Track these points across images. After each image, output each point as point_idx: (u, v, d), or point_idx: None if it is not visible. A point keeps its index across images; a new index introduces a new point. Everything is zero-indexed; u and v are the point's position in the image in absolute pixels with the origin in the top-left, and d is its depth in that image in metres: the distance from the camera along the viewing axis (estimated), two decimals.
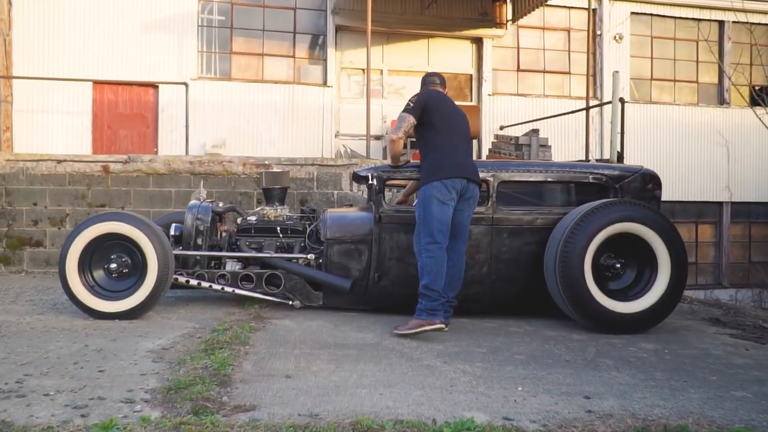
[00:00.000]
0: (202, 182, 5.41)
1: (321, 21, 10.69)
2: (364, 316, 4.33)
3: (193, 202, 4.76)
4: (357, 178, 4.58)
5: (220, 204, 5.00)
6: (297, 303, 4.50)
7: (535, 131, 8.38)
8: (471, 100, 11.23)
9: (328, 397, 2.52)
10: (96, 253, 4.08)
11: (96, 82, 9.75)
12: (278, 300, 4.51)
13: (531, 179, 4.38)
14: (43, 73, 9.33)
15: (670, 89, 11.98)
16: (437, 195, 3.75)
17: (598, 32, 11.40)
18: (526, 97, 11.23)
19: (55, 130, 9.62)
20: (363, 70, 10.64)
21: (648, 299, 3.97)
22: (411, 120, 3.87)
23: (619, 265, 4.10)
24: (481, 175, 4.19)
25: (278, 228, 4.70)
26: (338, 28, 10.66)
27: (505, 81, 11.34)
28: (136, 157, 6.60)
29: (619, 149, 6.92)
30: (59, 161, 6.52)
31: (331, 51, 10.66)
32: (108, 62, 9.77)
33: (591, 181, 4.41)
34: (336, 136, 10.70)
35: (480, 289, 4.30)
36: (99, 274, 4.10)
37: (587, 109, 8.73)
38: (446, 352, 3.39)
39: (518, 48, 11.35)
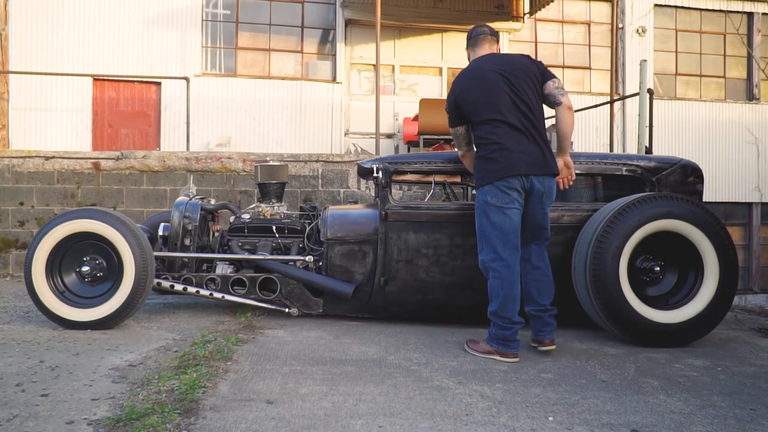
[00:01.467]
0: (191, 177, 4.99)
1: (330, 15, 10.27)
2: (368, 326, 3.86)
3: (180, 198, 4.32)
4: (362, 172, 4.11)
5: (213, 201, 4.57)
6: (294, 311, 4.04)
7: (554, 126, 7.84)
8: None
9: (314, 430, 2.05)
10: (67, 254, 3.65)
11: (96, 79, 9.41)
12: (273, 307, 4.05)
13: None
14: (41, 69, 9.01)
15: (696, 84, 11.40)
16: (492, 201, 3.11)
17: (620, 25, 10.87)
18: None
19: (54, 128, 9.29)
20: (374, 65, 10.20)
21: (693, 307, 3.45)
22: (459, 131, 3.39)
23: (658, 269, 3.58)
24: None
25: (274, 227, 4.25)
26: (348, 22, 10.25)
27: None
28: (129, 153, 6.20)
29: (647, 144, 6.38)
30: (47, 158, 6.14)
31: (340, 46, 10.24)
32: (109, 59, 9.44)
33: (624, 173, 3.89)
34: (346, 134, 10.26)
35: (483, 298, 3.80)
36: (71, 278, 3.66)
37: (611, 102, 8.20)
38: (461, 369, 2.90)
39: (536, 42, 10.85)
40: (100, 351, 3.05)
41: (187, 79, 8.13)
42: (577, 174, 3.90)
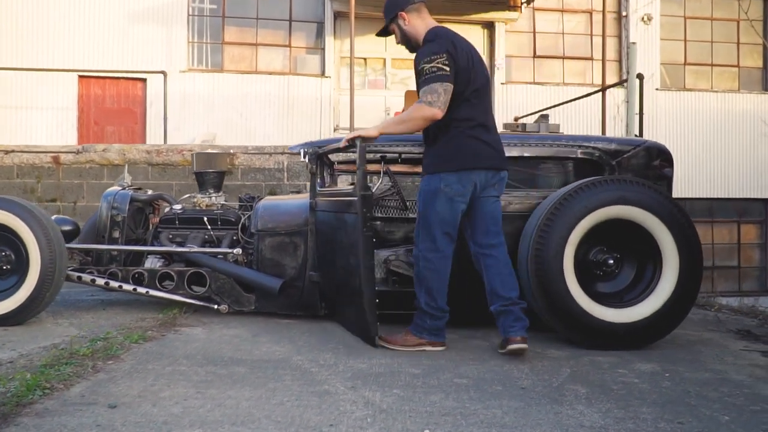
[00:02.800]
0: (126, 167, 4.73)
1: (319, 8, 10.01)
2: (298, 324, 3.54)
3: (109, 189, 4.08)
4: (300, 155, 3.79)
5: (149, 192, 4.31)
6: (223, 307, 3.74)
7: (544, 117, 7.36)
8: None
9: None
10: None
11: (82, 76, 9.30)
12: (202, 304, 3.77)
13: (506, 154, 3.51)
14: (26, 67, 8.92)
15: (707, 75, 10.83)
16: (446, 190, 2.87)
17: (624, 13, 10.39)
18: (543, 86, 10.29)
19: (39, 126, 9.20)
20: (365, 59, 9.93)
21: (648, 305, 3.06)
22: (450, 88, 2.79)
23: (612, 262, 3.20)
24: None
25: (205, 218, 3.97)
26: (337, 15, 9.98)
27: (520, 68, 10.43)
28: (90, 147, 6.01)
29: (637, 132, 5.96)
30: (7, 152, 5.98)
31: (329, 39, 9.98)
32: (94, 55, 9.32)
33: (580, 156, 3.52)
34: (335, 129, 9.97)
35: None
36: None
37: (603, 90, 7.75)
38: (367, 372, 2.57)
39: (534, 32, 10.44)
40: None
41: (164, 73, 7.95)
42: (527, 158, 3.55)
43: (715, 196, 10.41)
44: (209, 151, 4.25)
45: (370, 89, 10.20)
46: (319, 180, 3.67)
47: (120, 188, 4.12)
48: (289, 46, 9.95)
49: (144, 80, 9.43)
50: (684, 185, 9.95)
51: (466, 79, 2.87)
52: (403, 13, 3.00)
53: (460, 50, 2.89)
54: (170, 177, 5.95)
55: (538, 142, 3.53)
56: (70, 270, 3.77)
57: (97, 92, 9.44)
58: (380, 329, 2.97)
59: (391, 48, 10.23)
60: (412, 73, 10.34)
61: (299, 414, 2.03)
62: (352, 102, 7.36)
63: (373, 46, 10.12)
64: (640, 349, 3.05)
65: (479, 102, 2.93)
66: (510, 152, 3.51)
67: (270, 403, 2.14)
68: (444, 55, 2.80)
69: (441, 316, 2.96)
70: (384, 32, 3.17)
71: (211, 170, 4.20)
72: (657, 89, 10.33)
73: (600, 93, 7.87)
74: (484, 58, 10.41)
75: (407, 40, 3.07)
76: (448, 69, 2.77)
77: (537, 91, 10.21)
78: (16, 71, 8.84)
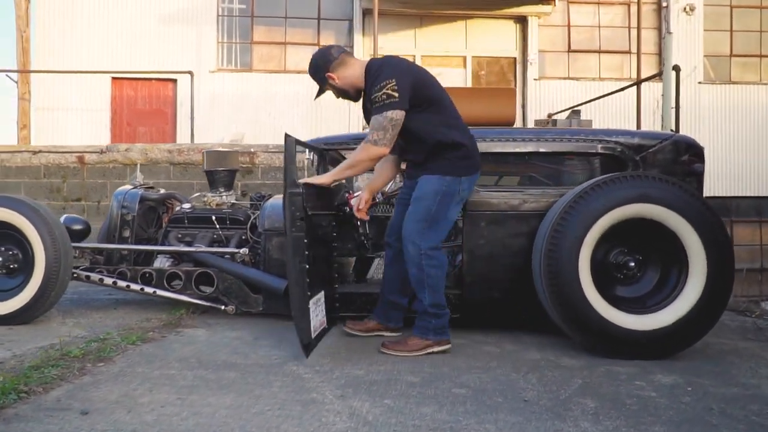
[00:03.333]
0: (138, 166, 4.72)
1: (347, 5, 9.93)
2: None
3: (121, 188, 4.06)
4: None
5: (161, 191, 4.28)
6: (230, 308, 3.66)
7: (576, 112, 7.10)
8: (515, 86, 10.08)
9: None
10: None
11: (115, 78, 9.46)
12: (208, 304, 3.70)
13: (515, 150, 3.32)
14: (61, 69, 9.12)
15: (755, 66, 10.27)
16: (463, 194, 2.90)
17: (665, 4, 9.93)
18: (578, 81, 9.94)
19: (74, 127, 9.40)
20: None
21: (672, 311, 2.82)
22: (400, 115, 2.72)
23: (633, 264, 2.97)
24: None
25: (213, 217, 3.90)
26: (366, 12, 9.86)
27: (553, 64, 10.10)
28: (113, 147, 6.06)
29: (673, 127, 5.64)
30: (34, 152, 6.08)
31: (358, 37, 9.88)
32: (127, 58, 9.46)
33: (600, 151, 3.29)
34: (364, 128, 9.85)
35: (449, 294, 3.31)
36: None
37: (638, 83, 7.40)
38: (362, 379, 2.43)
39: (569, 26, 10.09)
40: None
41: (191, 73, 7.98)
42: (543, 153, 3.36)
43: (764, 194, 9.84)
44: (219, 149, 4.18)
45: None
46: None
47: (131, 187, 4.09)
48: (318, 44, 9.89)
49: (174, 81, 9.53)
50: (730, 183, 9.47)
51: (428, 94, 2.81)
52: (330, 74, 2.90)
53: (407, 71, 2.77)
54: (191, 176, 5.95)
55: (555, 137, 3.32)
56: (80, 269, 3.76)
57: (129, 93, 9.59)
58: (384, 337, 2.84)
59: (422, 44, 10.07)
60: (443, 69, 10.19)
61: (277, 425, 1.91)
62: None
63: (403, 43, 9.98)
64: (663, 359, 2.82)
65: (450, 108, 2.90)
66: (525, 148, 3.33)
67: (249, 412, 2.02)
68: (392, 80, 2.69)
69: (444, 313, 2.89)
70: (321, 93, 3.05)
71: (221, 168, 4.14)
72: (700, 83, 9.86)
73: (636, 87, 7.52)
74: (516, 53, 10.16)
75: (345, 93, 2.97)
76: (398, 96, 2.69)
77: (572, 86, 9.87)
78: (53, 74, 9.04)
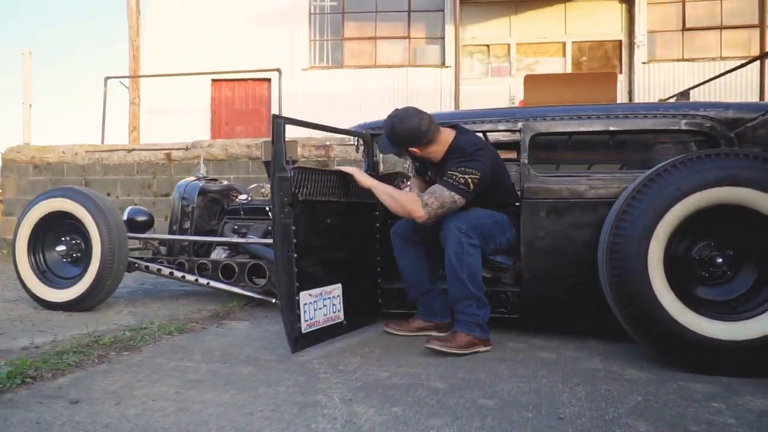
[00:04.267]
0: (202, 158, 4.77)
1: None
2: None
3: (182, 181, 4.11)
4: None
5: (223, 182, 4.29)
6: None
7: (684, 94, 6.33)
8: (621, 71, 9.27)
9: None
10: (50, 234, 3.60)
11: (214, 80, 9.88)
12: (259, 297, 3.62)
13: (582, 129, 2.90)
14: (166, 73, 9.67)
15: None
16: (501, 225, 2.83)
17: None
18: (694, 62, 8.94)
19: (176, 128, 9.92)
20: (487, 46, 9.40)
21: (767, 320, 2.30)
22: (461, 204, 2.66)
23: (721, 260, 2.47)
24: (507, 125, 2.95)
25: (268, 208, 3.83)
26: (458, 2, 9.51)
27: (665, 44, 9.16)
28: (197, 143, 6.25)
29: None
30: (129, 151, 6.42)
31: (449, 28, 9.56)
32: (224, 60, 9.84)
33: (684, 128, 2.79)
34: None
35: (507, 291, 2.98)
36: (53, 257, 3.61)
37: (762, 57, 6.44)
38: (383, 383, 2.19)
39: (684, 1, 9.10)
40: (26, 332, 2.90)
41: (279, 71, 8.12)
42: (613, 132, 2.92)
43: None
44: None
45: (493, 77, 9.61)
46: (365, 163, 3.35)
47: (193, 179, 4.13)
48: (408, 37, 9.71)
49: (269, 80, 9.77)
50: None
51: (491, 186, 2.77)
52: (414, 149, 2.75)
53: (490, 169, 2.71)
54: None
55: (627, 113, 2.86)
56: (142, 260, 3.84)
57: (227, 94, 9.98)
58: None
59: (516, 32, 9.56)
60: (538, 58, 9.61)
61: (259, 428, 1.72)
62: (457, 90, 6.91)
63: (496, 32, 9.54)
64: (755, 377, 2.31)
65: (502, 184, 2.89)
66: (592, 126, 2.91)
67: (239, 412, 1.86)
68: (478, 174, 2.63)
69: (487, 305, 2.69)
70: (390, 153, 2.92)
71: None
72: None
73: (760, 62, 6.56)
74: (622, 36, 9.34)
75: (425, 161, 2.86)
76: (472, 189, 2.63)
77: (687, 68, 8.88)
78: (159, 79, 9.60)
